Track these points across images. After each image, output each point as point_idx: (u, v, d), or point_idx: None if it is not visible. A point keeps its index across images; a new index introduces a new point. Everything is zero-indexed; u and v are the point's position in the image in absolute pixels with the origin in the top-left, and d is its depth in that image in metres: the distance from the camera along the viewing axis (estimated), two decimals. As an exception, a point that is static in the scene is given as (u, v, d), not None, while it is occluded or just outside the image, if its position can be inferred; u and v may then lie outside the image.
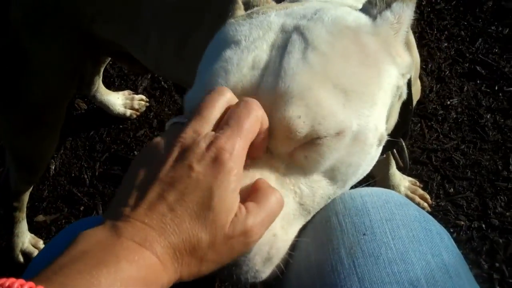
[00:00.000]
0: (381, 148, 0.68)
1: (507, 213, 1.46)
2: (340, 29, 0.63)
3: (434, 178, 1.55)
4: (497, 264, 1.38)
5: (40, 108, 1.21)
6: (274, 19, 0.65)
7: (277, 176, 0.61)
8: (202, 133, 0.55)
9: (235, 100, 0.59)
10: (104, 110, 1.76)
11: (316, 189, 0.64)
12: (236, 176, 0.53)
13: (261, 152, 0.59)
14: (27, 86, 1.16)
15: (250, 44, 0.63)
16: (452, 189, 1.53)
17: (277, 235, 0.60)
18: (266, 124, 0.58)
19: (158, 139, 0.57)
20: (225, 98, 0.58)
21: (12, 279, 0.42)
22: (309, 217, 0.66)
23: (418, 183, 1.52)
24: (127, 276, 0.46)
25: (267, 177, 0.60)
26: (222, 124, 0.56)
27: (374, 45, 0.64)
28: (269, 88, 0.59)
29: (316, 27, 0.63)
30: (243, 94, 0.60)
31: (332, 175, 0.64)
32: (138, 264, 0.48)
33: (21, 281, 0.42)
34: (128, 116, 1.77)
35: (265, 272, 0.60)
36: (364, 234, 0.67)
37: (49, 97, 1.20)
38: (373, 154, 0.67)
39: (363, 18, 0.66)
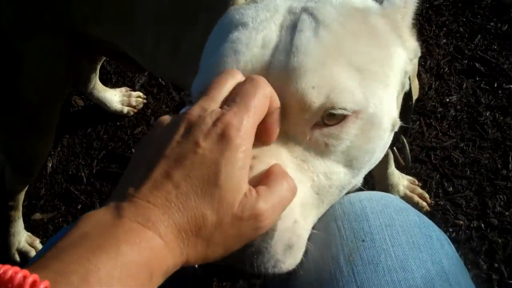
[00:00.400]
0: (392, 134, 0.67)
1: (507, 213, 1.46)
2: (348, 10, 0.63)
3: (433, 177, 1.55)
4: (496, 265, 1.37)
5: (34, 109, 1.20)
6: (281, 2, 0.64)
7: (296, 162, 0.59)
8: (208, 110, 0.53)
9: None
10: (101, 107, 1.75)
11: (333, 180, 0.62)
12: (244, 153, 0.51)
13: (274, 135, 0.57)
14: (20, 87, 1.15)
15: (258, 25, 0.62)
16: (451, 188, 1.52)
17: (297, 221, 0.58)
18: (276, 102, 0.56)
19: (164, 118, 0.56)
20: (234, 80, 0.56)
21: (6, 266, 0.41)
22: (322, 210, 0.64)
23: (417, 182, 1.51)
24: (128, 261, 0.44)
25: (285, 163, 0.58)
26: (228, 101, 0.54)
27: (383, 27, 0.64)
28: (281, 65, 0.58)
29: (325, 8, 0.62)
30: (253, 73, 0.59)
31: (349, 163, 0.62)
32: (139, 247, 0.46)
33: (16, 268, 0.41)
34: (126, 113, 1.76)
35: (285, 262, 0.58)
36: (363, 241, 0.66)
37: (43, 98, 1.19)
38: (386, 140, 0.66)
39: (370, 2, 0.66)
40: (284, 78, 0.58)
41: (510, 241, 1.41)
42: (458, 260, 0.71)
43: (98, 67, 1.63)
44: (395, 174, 1.44)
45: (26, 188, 1.48)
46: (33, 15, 1.07)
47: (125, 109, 1.75)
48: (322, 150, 0.60)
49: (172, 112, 1.77)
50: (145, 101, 1.79)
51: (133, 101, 1.76)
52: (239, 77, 0.57)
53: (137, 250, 0.45)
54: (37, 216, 1.62)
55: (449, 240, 0.73)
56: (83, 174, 1.68)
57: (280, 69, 0.58)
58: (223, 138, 0.50)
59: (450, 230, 1.44)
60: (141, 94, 1.79)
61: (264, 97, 0.54)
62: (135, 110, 1.77)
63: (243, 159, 0.51)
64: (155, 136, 0.54)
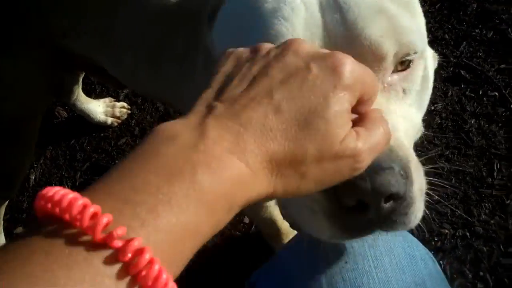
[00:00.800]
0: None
1: (492, 221, 1.46)
2: None
3: (418, 186, 1.54)
4: (481, 273, 1.37)
5: (13, 121, 1.18)
6: None
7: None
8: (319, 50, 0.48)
9: None
10: (85, 118, 1.73)
11: (413, 123, 0.62)
12: (352, 97, 0.46)
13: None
14: None
15: None
16: (436, 197, 1.52)
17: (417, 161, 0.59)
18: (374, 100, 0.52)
19: (266, 44, 0.50)
20: None
21: (66, 190, 0.36)
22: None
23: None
24: (206, 192, 0.39)
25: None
26: None
27: None
28: (338, 22, 0.56)
29: None
30: (312, 36, 0.56)
31: (419, 105, 0.63)
32: (221, 176, 0.40)
33: (76, 194, 0.36)
34: (109, 124, 1.74)
35: (421, 209, 0.59)
36: (346, 262, 0.66)
37: (22, 110, 1.18)
38: (432, 81, 0.67)
39: None
40: (348, 34, 0.56)
41: (495, 249, 1.41)
42: (442, 278, 0.71)
43: (81, 79, 1.61)
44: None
45: (6, 203, 1.46)
46: (8, 31, 1.06)
47: (109, 120, 1.73)
48: (399, 96, 0.61)
49: (157, 123, 1.75)
50: (129, 111, 1.77)
51: (117, 112, 1.74)
52: None
53: (217, 180, 0.39)
54: (20, 230, 1.60)
55: (433, 258, 0.73)
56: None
57: (337, 26, 0.56)
58: (336, 72, 0.45)
59: (435, 239, 1.44)
60: (125, 104, 1.77)
61: (374, 80, 0.50)
62: (119, 121, 1.75)
63: (350, 102, 0.46)
64: (257, 56, 0.48)
